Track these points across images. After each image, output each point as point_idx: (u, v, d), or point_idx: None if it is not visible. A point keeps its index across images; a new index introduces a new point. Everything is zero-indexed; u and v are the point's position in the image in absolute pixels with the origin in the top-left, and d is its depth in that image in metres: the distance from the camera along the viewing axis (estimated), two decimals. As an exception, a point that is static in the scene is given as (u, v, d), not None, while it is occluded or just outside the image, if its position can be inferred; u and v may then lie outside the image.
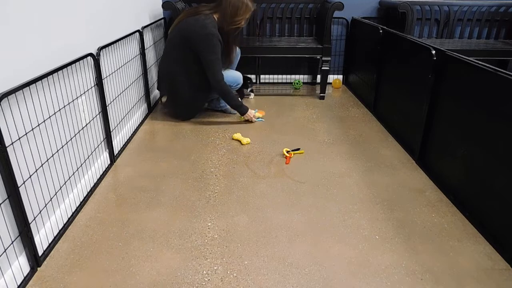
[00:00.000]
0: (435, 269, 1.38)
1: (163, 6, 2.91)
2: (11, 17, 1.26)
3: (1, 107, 1.19)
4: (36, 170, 1.39)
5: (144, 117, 2.76)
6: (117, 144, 2.19)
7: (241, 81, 2.77)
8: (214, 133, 2.53)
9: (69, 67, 1.63)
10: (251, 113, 2.68)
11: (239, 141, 2.39)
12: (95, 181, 1.88)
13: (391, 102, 2.57)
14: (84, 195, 1.76)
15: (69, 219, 1.61)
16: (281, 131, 2.56)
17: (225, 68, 2.71)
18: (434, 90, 1.97)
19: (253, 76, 3.67)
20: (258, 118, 2.74)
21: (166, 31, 3.35)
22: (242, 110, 2.65)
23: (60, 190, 1.57)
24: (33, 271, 1.34)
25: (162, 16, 3.29)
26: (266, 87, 3.60)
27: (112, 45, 2.12)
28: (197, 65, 2.51)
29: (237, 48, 2.86)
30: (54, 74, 1.51)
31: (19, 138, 1.29)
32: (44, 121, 1.45)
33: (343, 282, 1.32)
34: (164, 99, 2.88)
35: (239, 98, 2.82)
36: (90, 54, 1.81)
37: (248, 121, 2.70)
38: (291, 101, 3.19)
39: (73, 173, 1.69)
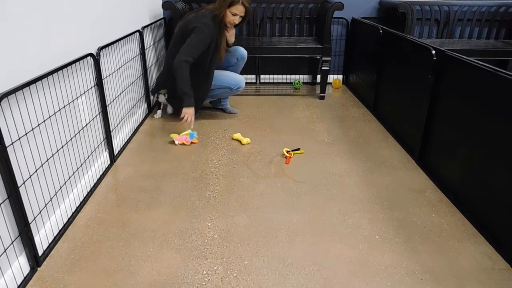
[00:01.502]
0: (435, 269, 1.38)
1: (163, 6, 2.91)
2: (11, 17, 1.26)
3: (1, 107, 1.19)
4: (36, 170, 1.39)
5: (144, 117, 2.76)
6: (117, 144, 2.19)
7: (243, 85, 2.69)
8: (214, 133, 2.53)
9: (69, 67, 1.63)
10: (191, 112, 2.38)
11: (239, 141, 2.39)
12: (95, 181, 1.88)
13: (391, 102, 2.57)
14: (84, 195, 1.76)
15: (69, 219, 1.61)
16: (281, 131, 2.56)
17: (216, 66, 2.63)
18: (434, 90, 1.97)
19: (253, 76, 3.67)
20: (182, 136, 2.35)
21: (166, 31, 3.35)
22: (187, 100, 2.37)
23: (60, 190, 1.57)
24: (33, 271, 1.34)
25: (162, 16, 3.29)
26: (266, 87, 3.60)
27: (112, 45, 2.12)
28: (194, 61, 2.44)
29: (244, 51, 2.80)
30: (54, 74, 1.51)
31: (19, 138, 1.29)
32: (44, 121, 1.45)
33: (343, 282, 1.32)
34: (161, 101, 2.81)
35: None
36: (90, 54, 1.81)
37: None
38: (291, 101, 3.19)
39: (73, 173, 1.69)
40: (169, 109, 2.82)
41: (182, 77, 2.37)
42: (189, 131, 2.39)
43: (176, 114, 2.73)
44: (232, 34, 2.63)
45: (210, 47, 2.47)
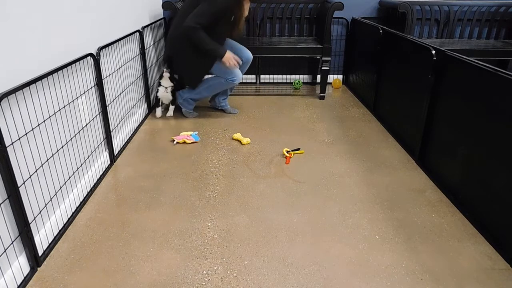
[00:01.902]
0: (435, 269, 1.38)
1: (163, 6, 2.91)
2: (11, 17, 1.26)
3: (1, 107, 1.19)
4: (36, 170, 1.39)
5: (144, 117, 2.76)
6: (117, 144, 2.19)
7: (238, 79, 2.62)
8: (214, 133, 2.53)
9: (69, 67, 1.63)
10: (230, 56, 2.46)
11: (239, 141, 2.39)
12: (95, 181, 1.88)
13: (391, 102, 2.57)
14: (84, 195, 1.76)
15: (69, 219, 1.61)
16: (281, 131, 2.56)
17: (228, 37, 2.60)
18: (434, 90, 1.97)
19: (253, 76, 3.67)
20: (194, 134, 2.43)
21: (166, 31, 3.35)
22: (219, 52, 2.44)
23: (60, 190, 1.57)
24: (33, 271, 1.34)
25: (162, 16, 3.29)
26: (266, 87, 3.60)
27: (112, 45, 2.12)
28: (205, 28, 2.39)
29: (250, 54, 2.74)
30: (54, 74, 1.51)
31: (19, 138, 1.29)
32: (44, 121, 1.45)
33: (343, 282, 1.32)
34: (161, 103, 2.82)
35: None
36: (90, 54, 1.81)
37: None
38: (291, 101, 3.19)
39: (73, 173, 1.69)
40: (170, 112, 2.82)
41: (200, 39, 2.36)
42: (191, 132, 2.40)
43: (186, 85, 2.72)
44: (246, 8, 2.56)
45: (222, 20, 2.39)
